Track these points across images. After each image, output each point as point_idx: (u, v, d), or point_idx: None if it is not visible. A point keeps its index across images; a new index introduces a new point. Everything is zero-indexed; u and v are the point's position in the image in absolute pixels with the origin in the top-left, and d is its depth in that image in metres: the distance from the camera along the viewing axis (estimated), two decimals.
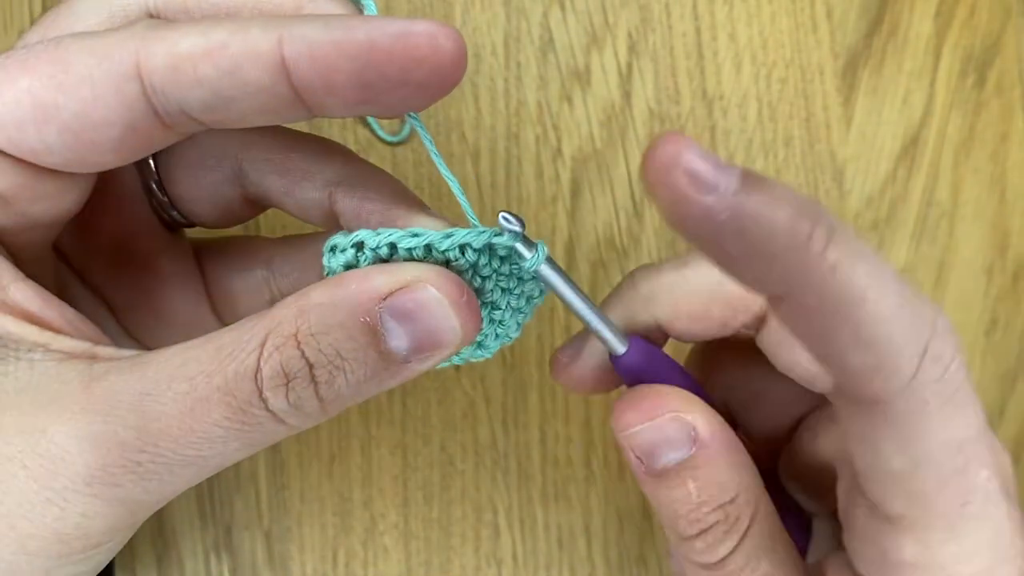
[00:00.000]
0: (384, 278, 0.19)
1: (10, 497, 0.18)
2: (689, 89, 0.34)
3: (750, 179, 0.18)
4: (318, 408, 0.19)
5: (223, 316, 0.26)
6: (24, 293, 0.20)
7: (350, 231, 0.22)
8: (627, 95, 0.34)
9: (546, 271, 0.22)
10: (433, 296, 0.19)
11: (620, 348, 0.23)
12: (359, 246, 0.21)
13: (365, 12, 0.21)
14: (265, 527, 0.30)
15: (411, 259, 0.21)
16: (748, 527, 0.21)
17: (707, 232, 0.17)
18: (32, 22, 0.31)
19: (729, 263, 0.18)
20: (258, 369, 0.18)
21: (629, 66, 0.34)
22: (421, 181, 0.32)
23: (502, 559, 0.32)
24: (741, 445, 0.22)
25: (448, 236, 0.20)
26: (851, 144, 0.35)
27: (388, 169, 0.32)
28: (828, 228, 0.17)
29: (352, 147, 0.32)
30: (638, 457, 0.21)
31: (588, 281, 0.33)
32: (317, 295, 0.19)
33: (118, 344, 0.22)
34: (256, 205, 0.25)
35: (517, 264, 0.22)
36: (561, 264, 0.33)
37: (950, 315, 0.37)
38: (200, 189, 0.24)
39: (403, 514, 0.31)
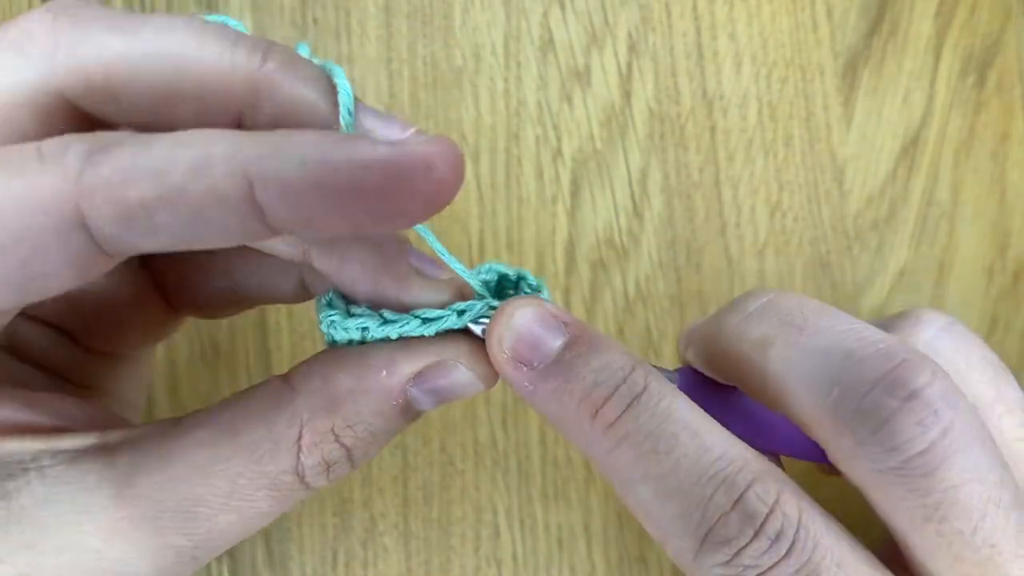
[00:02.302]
0: (416, 359, 0.20)
1: None
2: (689, 89, 0.34)
3: (575, 343, 0.19)
4: (350, 471, 0.20)
5: (184, 318, 0.25)
6: (8, 409, 0.19)
7: (337, 292, 0.21)
8: (627, 95, 0.34)
9: None
10: (464, 374, 0.20)
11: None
12: (364, 329, 0.20)
13: (340, 97, 0.18)
14: (265, 528, 0.30)
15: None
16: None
17: (523, 394, 0.20)
18: None
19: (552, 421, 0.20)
20: (299, 463, 0.19)
21: (629, 66, 0.34)
22: None
23: (502, 559, 0.32)
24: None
25: (460, 313, 0.20)
26: (851, 144, 0.35)
27: None
28: (626, 398, 0.19)
29: None
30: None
31: (588, 281, 0.33)
32: (345, 382, 0.19)
33: (84, 368, 0.22)
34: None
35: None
36: (561, 265, 0.33)
37: (951, 315, 0.37)
38: None
39: (403, 514, 0.31)
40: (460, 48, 0.33)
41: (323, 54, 0.32)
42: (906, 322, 0.24)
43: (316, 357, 0.20)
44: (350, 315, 0.20)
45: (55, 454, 0.18)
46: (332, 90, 0.19)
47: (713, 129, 0.34)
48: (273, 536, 0.30)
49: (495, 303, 0.21)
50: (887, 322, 0.25)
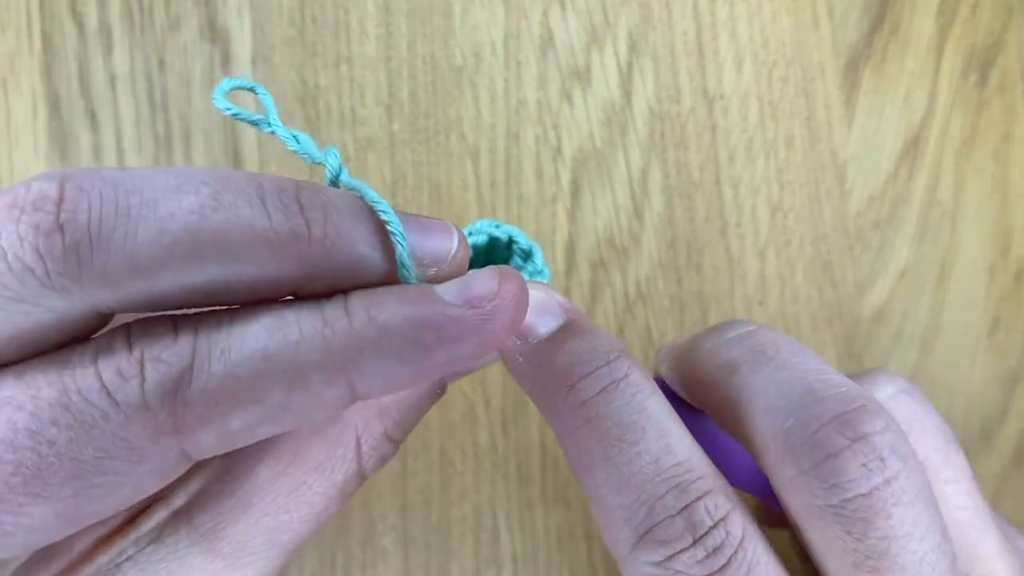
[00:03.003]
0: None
1: None
2: (690, 88, 0.34)
3: (571, 326, 0.20)
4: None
5: None
6: (87, 535, 0.19)
7: None
8: (627, 94, 0.33)
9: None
10: (492, 356, 0.21)
11: None
12: None
13: (393, 240, 0.17)
14: None
15: None
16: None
17: (509, 364, 0.20)
18: (29, 21, 0.31)
19: (530, 394, 0.21)
20: (360, 466, 0.20)
21: (629, 65, 0.34)
22: (421, 181, 0.32)
23: (502, 562, 0.31)
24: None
25: None
26: (852, 143, 0.35)
27: (387, 168, 0.32)
28: (604, 380, 0.19)
29: (350, 146, 0.32)
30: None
31: (588, 281, 0.33)
32: None
33: None
34: None
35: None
36: (561, 265, 0.33)
37: (952, 315, 0.37)
38: None
39: (402, 517, 0.31)
40: (460, 47, 0.33)
41: (322, 53, 0.32)
42: (864, 379, 0.25)
43: None
44: None
45: (137, 540, 0.19)
46: (376, 223, 0.17)
47: (714, 128, 0.34)
48: None
49: None
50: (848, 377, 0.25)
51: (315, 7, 0.32)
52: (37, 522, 0.15)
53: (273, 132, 0.18)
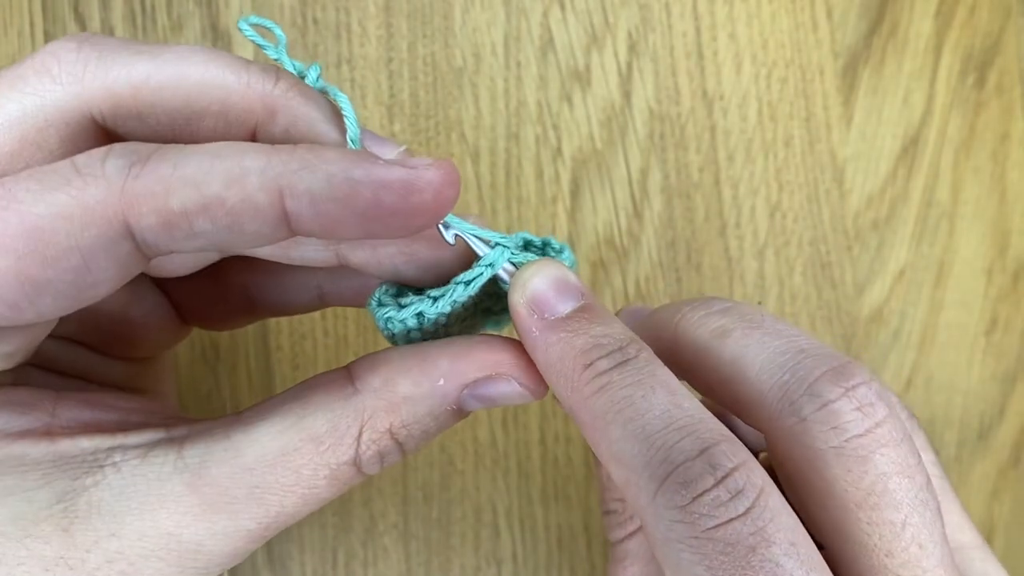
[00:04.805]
0: (473, 371, 0.21)
1: None
2: (689, 89, 0.34)
3: (587, 309, 0.21)
4: (400, 460, 0.22)
5: (192, 327, 0.26)
6: (72, 410, 0.21)
7: (384, 291, 0.22)
8: (627, 95, 0.34)
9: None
10: (516, 389, 0.22)
11: None
12: (420, 316, 0.22)
13: (346, 122, 0.20)
14: None
15: (467, 303, 0.22)
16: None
17: (525, 337, 0.21)
18: (32, 23, 0.31)
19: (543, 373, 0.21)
20: (357, 455, 0.21)
21: (629, 66, 0.34)
22: None
23: (502, 559, 0.32)
24: None
25: (490, 266, 0.22)
26: (851, 144, 0.35)
27: None
28: (618, 358, 0.20)
29: None
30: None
31: (588, 281, 0.33)
32: (405, 388, 0.21)
33: (107, 372, 0.23)
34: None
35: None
36: None
37: (950, 315, 0.37)
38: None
39: (403, 514, 0.31)
40: (460, 48, 0.33)
41: (323, 54, 0.32)
42: None
43: (378, 356, 0.22)
44: (402, 307, 0.22)
45: (126, 450, 0.20)
46: (336, 112, 0.21)
47: (713, 129, 0.34)
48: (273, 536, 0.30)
49: (518, 256, 0.22)
50: None
51: (316, 8, 0.32)
52: None
53: (278, 59, 0.21)
